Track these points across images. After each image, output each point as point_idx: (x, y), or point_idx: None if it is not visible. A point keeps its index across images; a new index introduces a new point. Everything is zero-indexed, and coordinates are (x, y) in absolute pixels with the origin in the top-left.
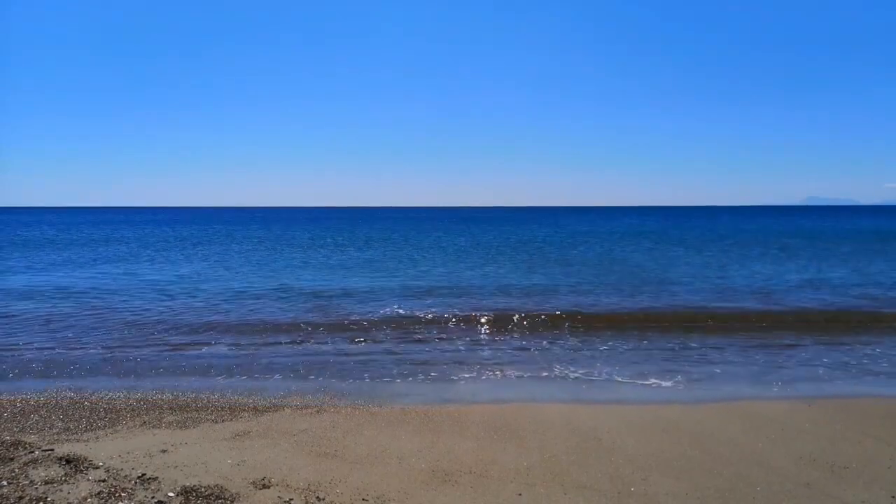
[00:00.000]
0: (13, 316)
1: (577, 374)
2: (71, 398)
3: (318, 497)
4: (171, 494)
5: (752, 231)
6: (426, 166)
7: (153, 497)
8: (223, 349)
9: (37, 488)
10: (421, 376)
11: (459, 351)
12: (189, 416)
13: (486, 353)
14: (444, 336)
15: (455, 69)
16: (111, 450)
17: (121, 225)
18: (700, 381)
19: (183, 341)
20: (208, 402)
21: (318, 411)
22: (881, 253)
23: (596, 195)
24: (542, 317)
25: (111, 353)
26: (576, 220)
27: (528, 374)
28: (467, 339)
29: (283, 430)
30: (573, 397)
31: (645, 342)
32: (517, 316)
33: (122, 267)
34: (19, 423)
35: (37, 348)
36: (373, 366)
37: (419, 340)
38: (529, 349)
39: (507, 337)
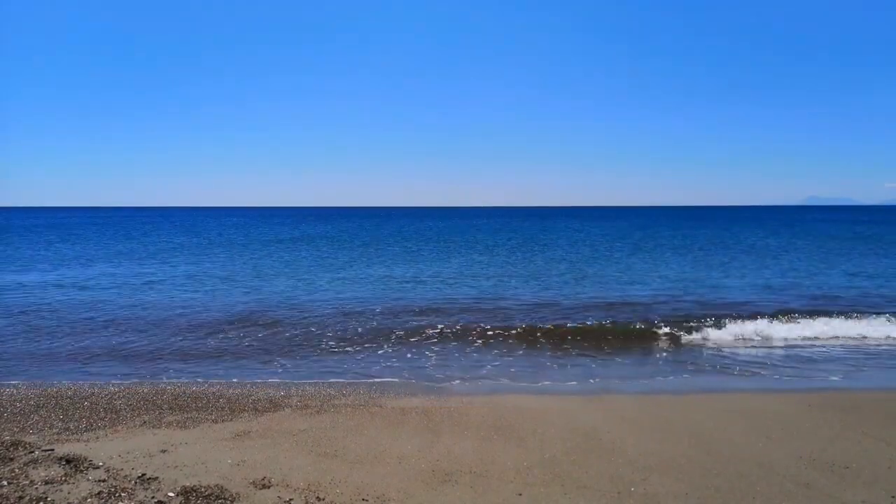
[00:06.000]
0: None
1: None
2: (70, 398)
3: (318, 497)
4: (171, 494)
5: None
6: (428, 166)
7: (153, 497)
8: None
9: (37, 488)
10: (422, 375)
11: (459, 348)
12: (189, 416)
13: (486, 351)
14: (443, 334)
15: (456, 69)
16: (111, 450)
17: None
18: None
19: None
20: (208, 402)
21: (318, 411)
22: None
23: (595, 195)
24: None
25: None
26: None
27: (528, 373)
28: (468, 336)
29: (283, 430)
30: (573, 396)
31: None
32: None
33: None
34: (19, 423)
35: None
36: (373, 364)
37: (418, 337)
38: (528, 347)
39: (508, 335)
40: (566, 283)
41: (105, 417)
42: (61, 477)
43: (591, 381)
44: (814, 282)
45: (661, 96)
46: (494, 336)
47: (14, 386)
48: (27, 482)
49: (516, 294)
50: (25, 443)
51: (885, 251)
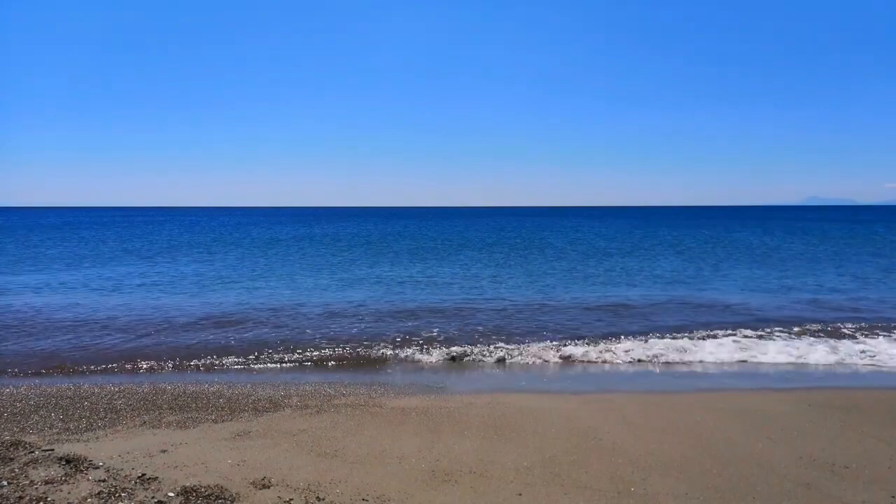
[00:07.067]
0: None
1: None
2: (70, 398)
3: (318, 497)
4: (171, 494)
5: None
6: (428, 166)
7: (153, 497)
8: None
9: (37, 488)
10: (422, 375)
11: (460, 348)
12: (189, 416)
13: (488, 351)
14: (442, 334)
15: (456, 69)
16: (111, 450)
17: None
18: None
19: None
20: (208, 401)
21: (318, 411)
22: None
23: (594, 195)
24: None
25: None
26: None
27: (529, 373)
28: (469, 337)
29: (283, 430)
30: (573, 396)
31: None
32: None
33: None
34: (19, 423)
35: None
36: (373, 364)
37: (419, 336)
38: (529, 346)
39: (507, 334)
40: (563, 283)
41: (105, 417)
42: (61, 477)
43: (591, 381)
44: (810, 282)
45: (662, 96)
46: (495, 335)
47: (14, 386)
48: (27, 482)
49: (515, 294)
50: (25, 443)
51: (879, 251)
